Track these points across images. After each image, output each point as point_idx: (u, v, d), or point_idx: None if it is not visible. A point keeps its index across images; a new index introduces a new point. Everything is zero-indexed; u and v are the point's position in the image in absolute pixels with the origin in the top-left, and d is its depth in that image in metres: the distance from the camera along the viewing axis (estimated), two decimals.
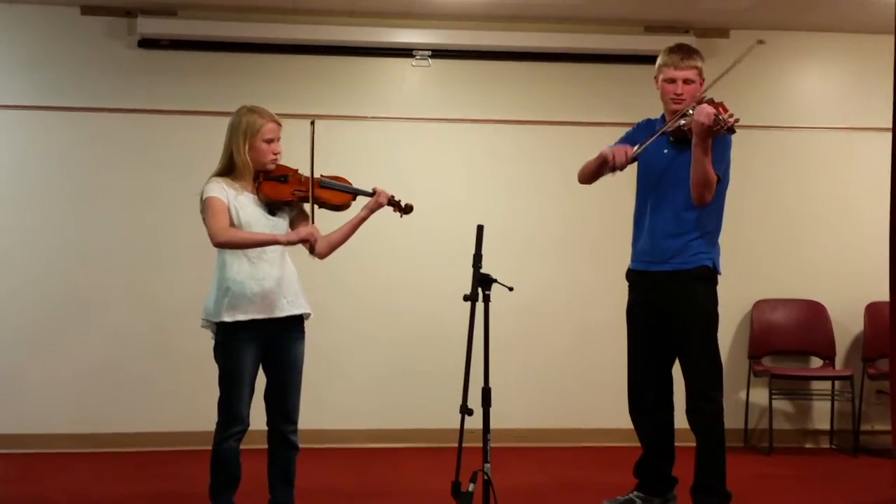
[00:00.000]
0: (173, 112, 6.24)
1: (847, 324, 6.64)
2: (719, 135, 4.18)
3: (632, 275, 4.63)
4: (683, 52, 4.45)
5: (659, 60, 4.51)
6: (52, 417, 6.13)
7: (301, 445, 4.21)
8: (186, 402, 6.06)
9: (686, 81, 4.41)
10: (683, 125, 4.31)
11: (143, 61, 6.23)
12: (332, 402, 6.25)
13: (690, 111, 4.29)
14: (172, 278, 6.16)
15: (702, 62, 4.47)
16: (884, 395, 6.38)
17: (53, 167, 6.20)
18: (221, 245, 3.99)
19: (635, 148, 4.37)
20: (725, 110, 4.18)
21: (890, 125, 4.30)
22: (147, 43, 6.20)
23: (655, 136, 4.39)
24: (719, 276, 4.52)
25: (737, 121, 4.13)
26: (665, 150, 4.44)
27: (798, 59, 6.67)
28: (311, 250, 4.04)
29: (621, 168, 4.39)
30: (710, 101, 4.26)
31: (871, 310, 6.47)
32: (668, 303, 4.45)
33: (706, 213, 4.41)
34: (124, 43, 6.23)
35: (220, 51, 6.27)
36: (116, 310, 6.20)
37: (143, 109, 6.23)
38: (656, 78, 4.53)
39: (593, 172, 4.56)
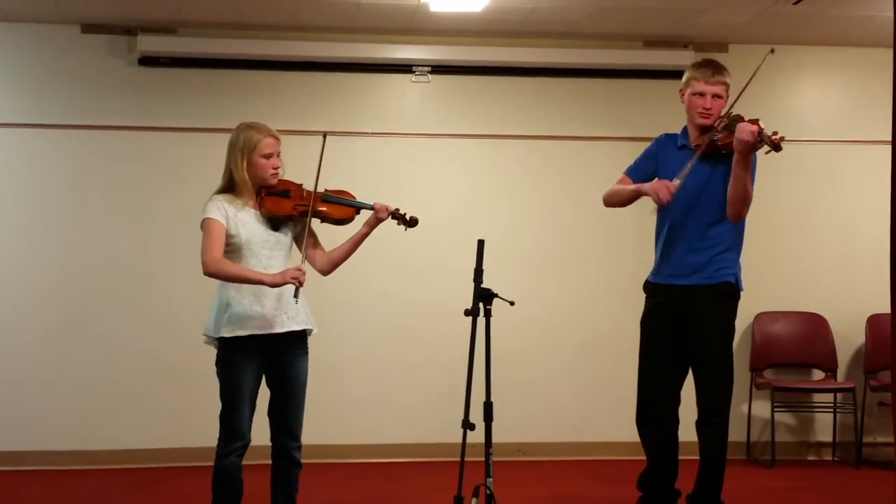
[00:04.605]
0: (174, 129, 6.25)
1: (848, 336, 6.64)
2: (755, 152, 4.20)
3: (650, 287, 4.63)
4: (714, 68, 4.45)
5: (687, 74, 4.50)
6: (52, 435, 6.12)
7: (304, 461, 4.21)
8: (186, 418, 6.05)
9: (715, 96, 4.42)
10: (717, 140, 4.32)
11: (144, 79, 6.25)
12: (335, 417, 6.24)
13: (718, 128, 4.30)
14: (173, 295, 6.16)
15: (730, 79, 4.47)
16: (886, 406, 6.38)
17: (54, 185, 6.20)
18: (210, 276, 4.00)
19: (677, 182, 4.33)
20: (762, 128, 4.17)
21: (889, 138, 4.31)
22: (147, 60, 6.22)
23: (693, 161, 4.35)
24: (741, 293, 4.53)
25: (782, 138, 4.11)
26: (689, 165, 4.40)
27: (797, 73, 6.68)
28: (296, 293, 3.98)
29: (668, 205, 4.39)
30: (751, 121, 4.24)
31: (873, 322, 6.47)
32: (689, 317, 4.44)
33: (731, 229, 4.43)
34: (125, 61, 6.24)
35: (220, 68, 6.29)
36: (116, 327, 6.20)
37: (144, 127, 6.24)
38: (682, 91, 4.51)
39: (625, 202, 4.59)
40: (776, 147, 4.12)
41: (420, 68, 6.45)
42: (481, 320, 3.97)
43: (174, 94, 6.28)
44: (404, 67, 6.44)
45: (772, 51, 4.34)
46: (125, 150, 6.25)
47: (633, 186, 4.53)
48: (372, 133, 6.43)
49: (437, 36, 6.38)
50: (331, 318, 6.13)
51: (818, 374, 6.64)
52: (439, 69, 6.46)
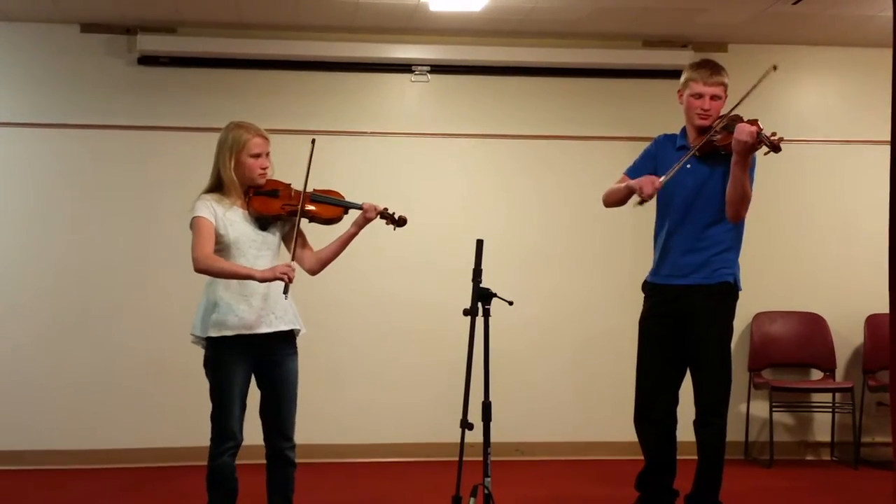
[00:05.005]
0: (173, 128, 6.25)
1: (847, 336, 6.64)
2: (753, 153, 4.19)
3: (648, 287, 4.63)
4: (712, 68, 4.44)
5: (685, 75, 4.49)
6: (49, 434, 6.12)
7: (301, 461, 4.21)
8: (185, 418, 6.03)
9: (713, 97, 4.41)
10: (716, 140, 4.32)
11: (143, 78, 6.25)
12: (332, 416, 6.24)
13: (716, 128, 4.30)
14: (171, 295, 6.15)
15: (728, 79, 4.46)
16: (884, 406, 6.37)
17: (52, 184, 6.20)
18: (200, 272, 3.99)
19: (662, 178, 4.35)
20: (760, 129, 4.16)
21: (888, 138, 4.32)
22: (147, 60, 6.22)
23: (683, 161, 4.36)
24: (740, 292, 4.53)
25: (781, 139, 4.11)
26: (688, 166, 4.40)
27: (796, 73, 6.68)
28: (286, 289, 3.96)
29: (650, 199, 4.39)
30: (750, 121, 4.24)
31: (871, 322, 6.48)
32: (688, 317, 4.44)
33: (730, 229, 4.43)
34: (124, 60, 6.24)
35: (220, 67, 6.29)
36: (115, 326, 6.20)
37: (143, 126, 6.24)
38: (680, 92, 4.50)
39: (620, 200, 4.57)
40: (775, 148, 4.12)
41: (419, 68, 6.45)
42: (480, 320, 3.96)
43: (173, 93, 6.28)
44: (403, 67, 6.44)
45: (774, 67, 4.33)
46: (124, 150, 6.25)
47: (625, 184, 4.52)
48: (371, 133, 6.43)
49: (436, 35, 6.37)
50: (329, 318, 6.15)
51: (816, 374, 6.64)
52: (438, 69, 6.46)
